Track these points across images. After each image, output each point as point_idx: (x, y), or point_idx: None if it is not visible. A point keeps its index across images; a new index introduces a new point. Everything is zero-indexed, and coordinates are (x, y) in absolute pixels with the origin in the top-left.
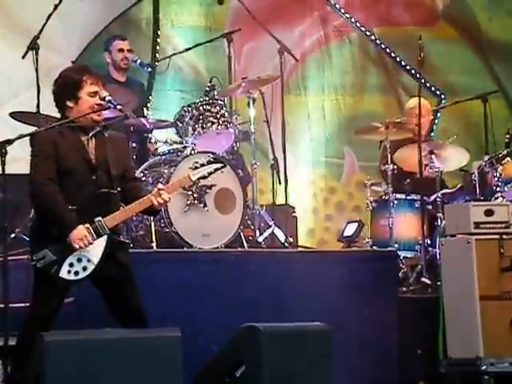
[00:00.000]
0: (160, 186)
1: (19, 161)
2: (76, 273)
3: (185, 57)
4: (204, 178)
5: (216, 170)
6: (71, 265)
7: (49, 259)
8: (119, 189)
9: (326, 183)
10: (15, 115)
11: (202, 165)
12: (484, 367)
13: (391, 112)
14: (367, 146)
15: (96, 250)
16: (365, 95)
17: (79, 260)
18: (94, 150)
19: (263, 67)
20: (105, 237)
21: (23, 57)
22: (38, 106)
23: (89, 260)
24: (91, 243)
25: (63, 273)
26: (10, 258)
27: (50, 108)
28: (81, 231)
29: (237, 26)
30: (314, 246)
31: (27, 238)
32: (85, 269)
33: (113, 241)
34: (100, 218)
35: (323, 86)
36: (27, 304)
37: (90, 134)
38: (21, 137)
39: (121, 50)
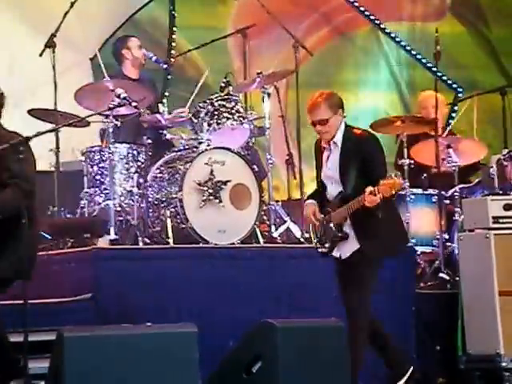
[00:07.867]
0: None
1: (39, 158)
2: None
3: (187, 56)
4: None
5: None
6: None
7: None
8: None
9: None
10: (33, 112)
11: None
12: (504, 364)
13: (394, 108)
14: None
15: None
16: (367, 91)
17: None
18: None
19: (267, 64)
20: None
21: (40, 54)
22: (55, 103)
23: None
24: None
25: None
26: None
27: (67, 105)
28: None
29: (240, 26)
30: None
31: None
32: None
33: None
34: None
35: (327, 82)
36: (45, 300)
37: None
38: (39, 134)
39: (140, 47)
